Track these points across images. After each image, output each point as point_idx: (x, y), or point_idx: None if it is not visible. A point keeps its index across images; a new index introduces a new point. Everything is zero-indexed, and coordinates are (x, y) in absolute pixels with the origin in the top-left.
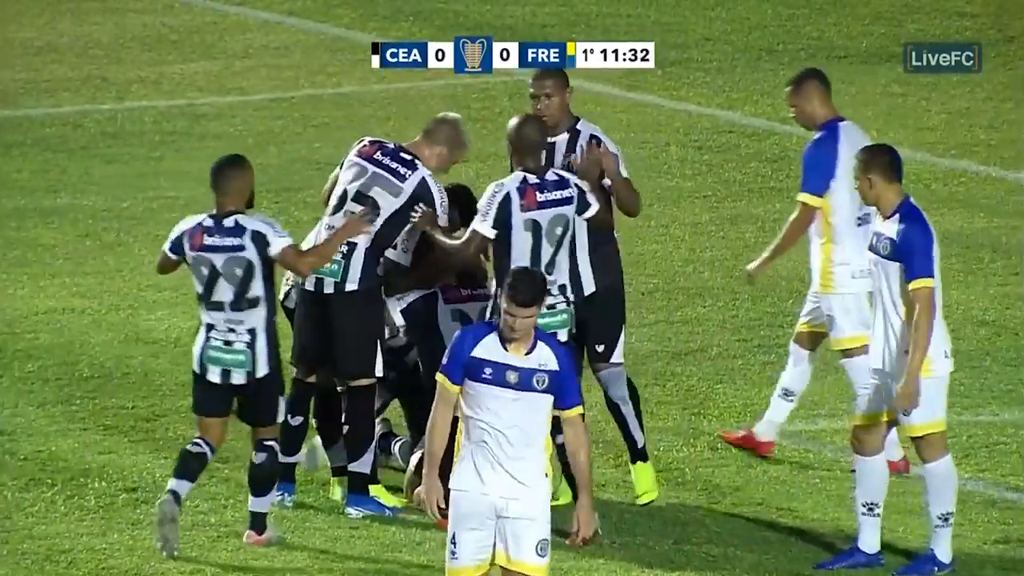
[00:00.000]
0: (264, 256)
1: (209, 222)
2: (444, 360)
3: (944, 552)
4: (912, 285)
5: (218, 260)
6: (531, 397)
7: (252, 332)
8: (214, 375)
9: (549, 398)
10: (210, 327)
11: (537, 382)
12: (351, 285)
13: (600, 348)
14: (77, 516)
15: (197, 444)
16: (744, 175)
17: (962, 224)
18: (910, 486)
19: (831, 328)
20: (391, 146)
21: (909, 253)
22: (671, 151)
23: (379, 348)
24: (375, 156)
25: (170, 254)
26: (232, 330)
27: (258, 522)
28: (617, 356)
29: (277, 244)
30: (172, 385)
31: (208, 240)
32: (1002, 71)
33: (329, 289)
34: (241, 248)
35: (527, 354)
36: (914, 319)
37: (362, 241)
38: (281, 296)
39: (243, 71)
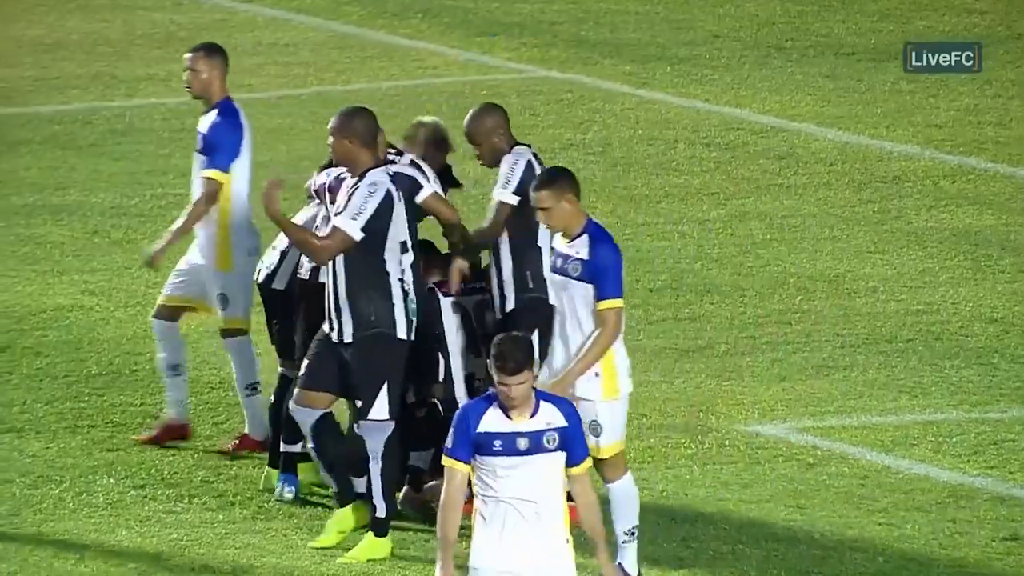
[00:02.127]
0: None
1: None
2: (448, 443)
3: (631, 564)
4: (602, 305)
5: None
6: (544, 458)
7: None
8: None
9: (561, 455)
10: None
11: (548, 441)
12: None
13: (358, 403)
14: (85, 513)
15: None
16: (752, 172)
17: (970, 221)
18: (918, 483)
19: (223, 306)
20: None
21: (603, 274)
22: (679, 148)
23: None
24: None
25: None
26: None
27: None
28: (380, 412)
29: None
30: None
31: None
32: (1010, 68)
33: (305, 275)
34: None
35: (532, 417)
36: (596, 336)
37: None
38: (260, 278)
39: (252, 68)
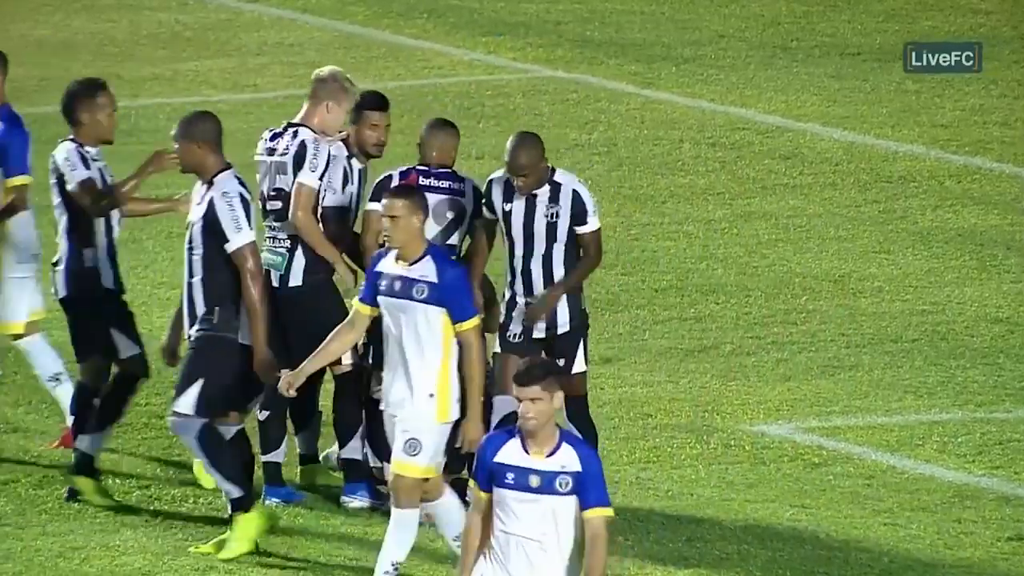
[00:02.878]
0: None
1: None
2: (474, 467)
3: None
4: (464, 326)
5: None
6: (555, 501)
7: None
8: None
9: (574, 500)
10: None
11: (560, 484)
12: (295, 280)
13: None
14: (90, 513)
15: None
16: (757, 172)
17: (976, 221)
18: (924, 483)
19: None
20: (281, 127)
21: (458, 296)
22: (685, 148)
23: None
24: (267, 146)
25: None
26: None
27: None
28: (185, 406)
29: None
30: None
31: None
32: (1016, 68)
33: (276, 283)
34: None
35: (549, 456)
36: (468, 359)
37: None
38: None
39: (257, 68)
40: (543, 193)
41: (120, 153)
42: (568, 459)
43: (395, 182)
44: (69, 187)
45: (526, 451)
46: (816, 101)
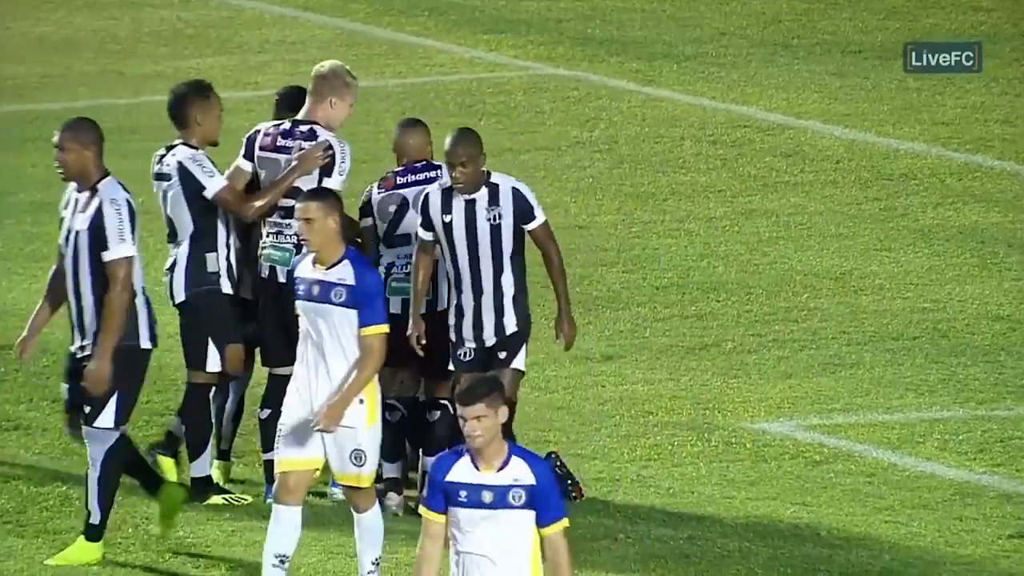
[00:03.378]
0: None
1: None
2: (424, 492)
3: None
4: (369, 331)
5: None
6: (509, 515)
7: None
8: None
9: (529, 514)
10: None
11: (514, 498)
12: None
13: (86, 408)
14: None
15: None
16: (759, 170)
17: (977, 219)
18: (925, 481)
19: None
20: (287, 125)
21: (370, 300)
22: (686, 146)
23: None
24: (278, 144)
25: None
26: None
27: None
28: (106, 421)
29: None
30: (186, 380)
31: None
32: (1017, 65)
33: (282, 279)
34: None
35: (500, 470)
36: (362, 363)
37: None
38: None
39: (259, 66)
40: (481, 197)
41: (121, 150)
42: (520, 472)
43: (375, 194)
44: (209, 193)
45: (476, 468)
46: (817, 99)
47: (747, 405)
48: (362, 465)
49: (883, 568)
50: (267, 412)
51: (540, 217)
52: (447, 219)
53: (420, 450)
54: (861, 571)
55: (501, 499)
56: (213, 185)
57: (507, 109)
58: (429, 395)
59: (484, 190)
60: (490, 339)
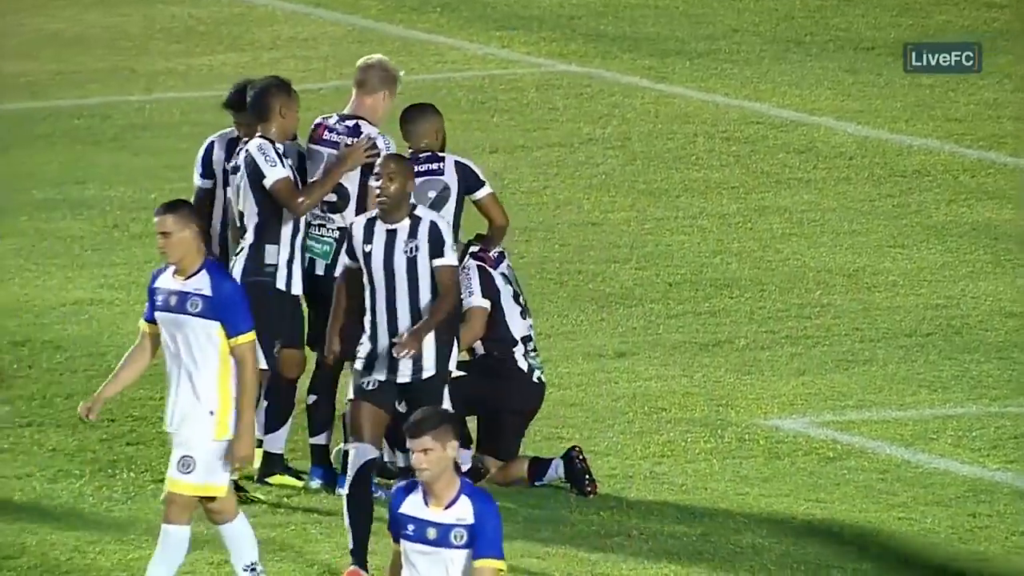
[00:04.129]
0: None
1: None
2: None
3: None
4: (236, 341)
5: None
6: (451, 554)
7: None
8: None
9: (468, 553)
10: None
11: (455, 537)
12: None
13: None
14: (105, 507)
15: None
16: (772, 166)
17: (990, 216)
18: (938, 477)
19: None
20: (333, 119)
21: (233, 309)
22: (699, 142)
23: None
24: (324, 137)
25: None
26: None
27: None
28: None
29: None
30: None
31: None
32: None
33: (320, 271)
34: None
35: (447, 508)
36: (241, 376)
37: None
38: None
39: (271, 63)
40: (403, 229)
41: (132, 147)
42: (464, 511)
43: None
44: (267, 183)
45: (426, 503)
46: (830, 95)
47: (760, 401)
48: (188, 472)
49: (896, 564)
50: (313, 398)
51: (449, 259)
52: (367, 248)
53: None
54: (874, 567)
55: (443, 537)
56: (272, 175)
57: (519, 106)
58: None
59: (407, 221)
60: (404, 377)
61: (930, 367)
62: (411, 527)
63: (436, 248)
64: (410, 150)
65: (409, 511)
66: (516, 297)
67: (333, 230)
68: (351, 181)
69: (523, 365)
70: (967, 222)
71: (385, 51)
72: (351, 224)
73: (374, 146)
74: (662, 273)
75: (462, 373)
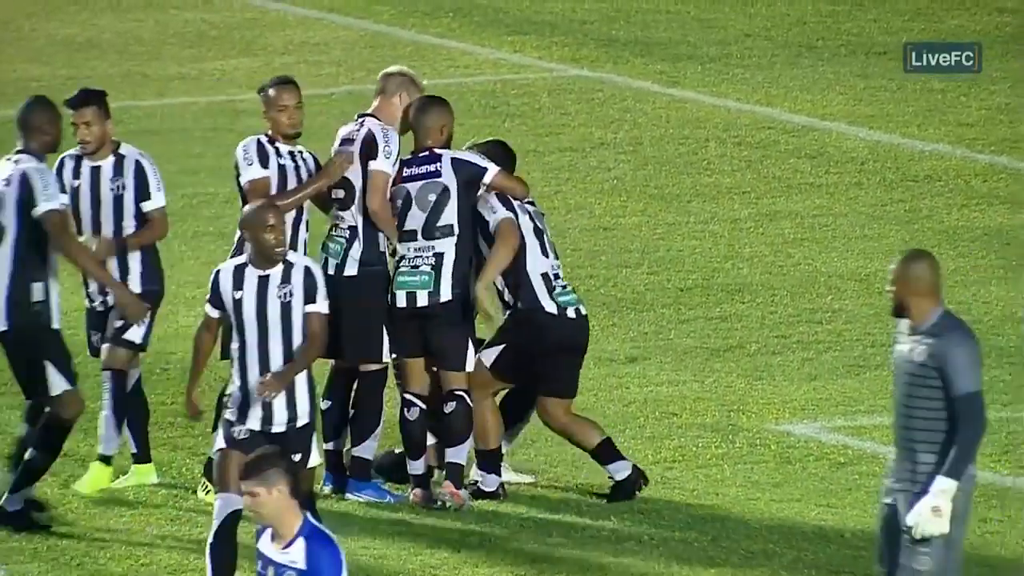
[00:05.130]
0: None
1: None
2: None
3: None
4: None
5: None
6: None
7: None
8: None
9: None
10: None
11: None
12: (350, 269)
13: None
14: (117, 512)
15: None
16: (783, 171)
17: (1002, 220)
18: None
19: None
20: (350, 124)
21: None
22: (710, 147)
23: (384, 333)
24: (343, 137)
25: None
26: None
27: (454, 473)
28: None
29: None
30: (211, 381)
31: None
32: None
33: (331, 271)
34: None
35: (284, 548)
36: None
37: (360, 223)
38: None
39: (282, 67)
40: (275, 275)
41: (145, 152)
42: (298, 555)
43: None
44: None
45: (272, 540)
46: (842, 100)
47: (771, 407)
48: None
49: None
50: (327, 404)
51: (321, 305)
52: (237, 295)
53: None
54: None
55: None
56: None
57: (531, 111)
58: (445, 386)
59: (279, 267)
60: (279, 427)
61: None
62: (260, 563)
63: (310, 295)
64: (411, 152)
65: (262, 547)
66: (539, 233)
67: (344, 228)
68: (355, 174)
69: (551, 308)
70: (978, 227)
71: (397, 56)
72: (215, 272)
73: (350, 160)
74: (673, 278)
75: (501, 346)
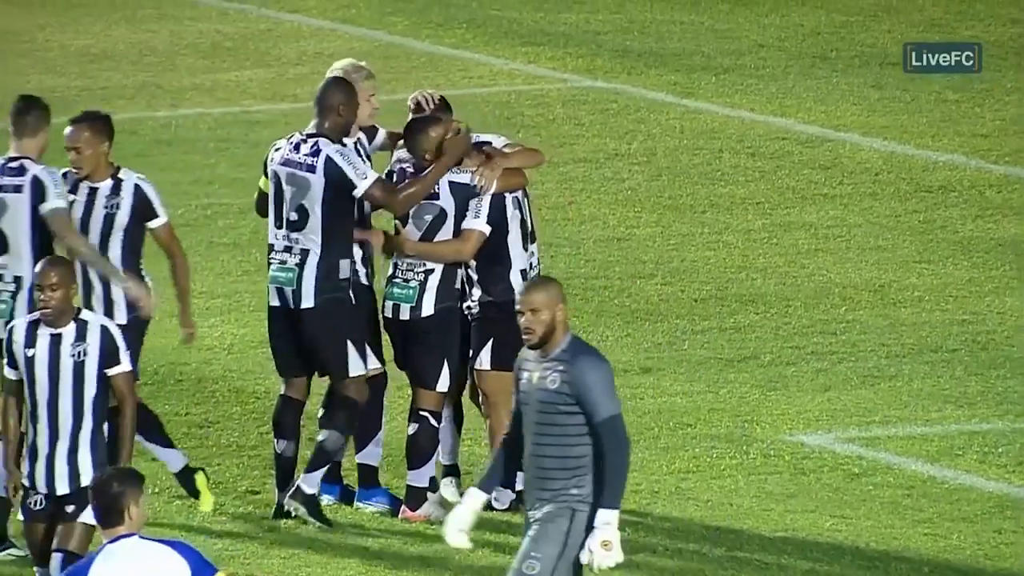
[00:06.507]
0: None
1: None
2: None
3: None
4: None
5: None
6: None
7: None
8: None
9: None
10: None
11: None
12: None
13: None
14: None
15: None
16: (797, 182)
17: (1016, 231)
18: (964, 493)
19: None
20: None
21: None
22: (724, 158)
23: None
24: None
25: None
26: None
27: (413, 497)
28: None
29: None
30: (225, 392)
31: None
32: None
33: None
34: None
35: None
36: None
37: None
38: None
39: (297, 78)
40: (68, 333)
41: (159, 163)
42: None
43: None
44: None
45: None
46: (856, 111)
47: (785, 417)
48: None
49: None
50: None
51: (125, 364)
52: (30, 353)
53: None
54: None
55: None
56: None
57: (545, 121)
58: (414, 404)
59: (72, 325)
60: (63, 489)
61: (956, 383)
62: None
63: (112, 356)
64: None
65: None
66: (523, 224)
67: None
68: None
69: None
70: (993, 238)
71: (411, 66)
72: (9, 328)
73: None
74: (687, 289)
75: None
